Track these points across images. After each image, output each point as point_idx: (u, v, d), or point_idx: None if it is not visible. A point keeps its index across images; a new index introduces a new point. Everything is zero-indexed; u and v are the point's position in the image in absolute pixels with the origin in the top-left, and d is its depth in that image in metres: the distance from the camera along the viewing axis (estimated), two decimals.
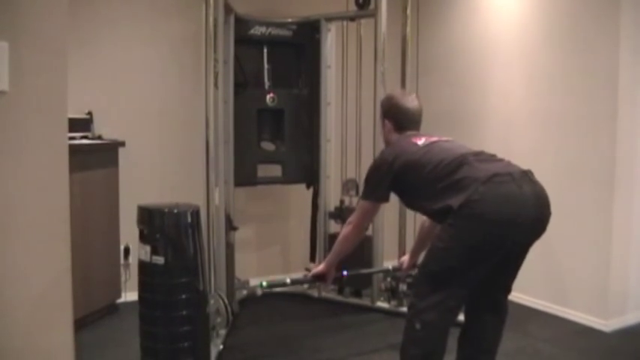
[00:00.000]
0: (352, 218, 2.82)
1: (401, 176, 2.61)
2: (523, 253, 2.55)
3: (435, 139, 2.69)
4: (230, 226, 4.08)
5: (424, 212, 2.75)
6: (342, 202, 4.51)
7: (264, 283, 3.19)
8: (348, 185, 4.50)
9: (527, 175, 2.44)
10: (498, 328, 2.64)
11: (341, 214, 4.44)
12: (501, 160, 2.56)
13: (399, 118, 2.85)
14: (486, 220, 2.32)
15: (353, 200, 4.42)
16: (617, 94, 3.73)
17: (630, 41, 3.74)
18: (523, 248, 2.52)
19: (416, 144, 2.66)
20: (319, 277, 3.07)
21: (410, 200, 2.76)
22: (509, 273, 2.59)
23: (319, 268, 3.06)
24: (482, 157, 2.54)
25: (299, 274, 4.64)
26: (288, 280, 3.27)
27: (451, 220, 2.39)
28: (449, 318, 2.44)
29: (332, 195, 4.58)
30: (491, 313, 2.61)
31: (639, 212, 3.92)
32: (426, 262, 2.53)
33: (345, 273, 3.30)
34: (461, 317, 2.63)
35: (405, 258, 3.40)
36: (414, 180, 2.58)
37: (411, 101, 2.88)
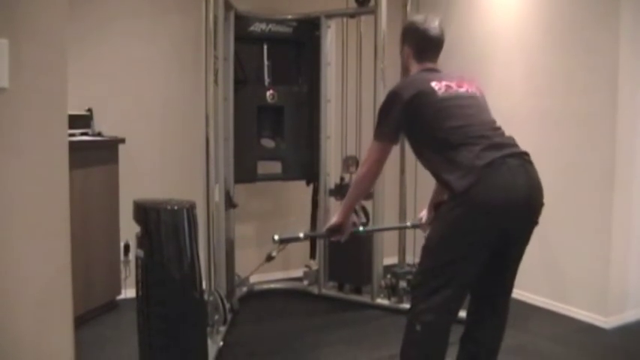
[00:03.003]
0: (365, 158, 2.68)
1: (413, 120, 2.48)
2: (518, 249, 2.52)
3: (454, 87, 2.52)
4: (230, 204, 4.07)
5: (426, 167, 2.61)
6: (342, 179, 4.48)
7: (276, 237, 2.92)
8: (348, 162, 4.47)
9: (524, 165, 2.41)
10: (500, 329, 2.61)
11: (341, 190, 4.40)
12: (506, 143, 2.47)
13: (419, 44, 2.68)
14: (478, 208, 2.30)
15: (353, 177, 4.40)
16: (616, 92, 3.73)
17: (630, 39, 3.74)
18: (517, 241, 2.49)
19: (434, 91, 2.47)
20: (335, 230, 2.81)
21: (416, 147, 2.61)
22: (507, 272, 2.56)
23: (333, 220, 2.82)
24: (488, 137, 2.44)
25: (299, 271, 4.69)
26: (301, 235, 3.04)
27: (445, 207, 2.39)
28: (449, 319, 2.41)
29: (332, 173, 4.55)
30: (493, 314, 2.58)
31: (639, 210, 3.93)
32: (423, 259, 2.51)
33: (361, 228, 3.10)
34: (462, 314, 2.63)
35: (424, 213, 3.22)
36: (425, 130, 2.47)
37: (433, 28, 2.68)
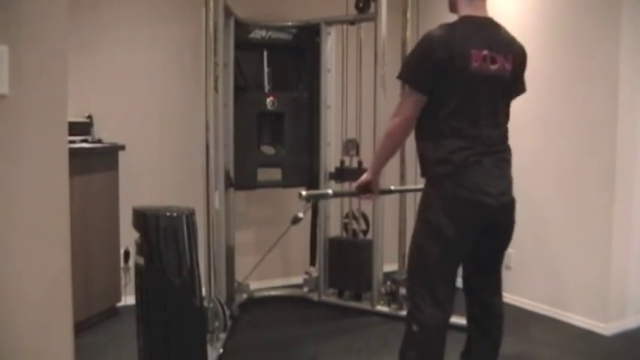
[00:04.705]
0: (397, 110, 2.44)
1: (435, 82, 2.33)
2: (499, 241, 2.55)
3: (488, 63, 2.37)
4: (230, 183, 4.08)
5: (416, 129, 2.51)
6: (342, 162, 4.46)
7: (304, 193, 2.81)
8: (348, 145, 4.45)
9: (498, 165, 2.41)
10: (496, 334, 2.62)
11: (341, 174, 4.41)
12: (493, 142, 2.42)
13: None
14: (452, 202, 2.35)
15: (353, 160, 4.41)
16: (617, 97, 3.73)
17: (630, 44, 3.74)
18: (498, 235, 2.51)
19: (469, 62, 2.31)
20: (365, 188, 2.71)
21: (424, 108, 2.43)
22: (490, 269, 2.60)
23: (363, 177, 2.70)
24: (478, 132, 2.38)
25: (299, 278, 4.68)
26: (330, 192, 2.98)
27: (421, 201, 2.45)
28: (442, 316, 2.42)
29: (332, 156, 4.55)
30: (488, 319, 2.61)
31: (639, 216, 3.92)
32: (409, 261, 2.55)
33: (392, 187, 3.06)
34: (463, 321, 2.66)
35: None
36: (437, 99, 2.35)
37: None
